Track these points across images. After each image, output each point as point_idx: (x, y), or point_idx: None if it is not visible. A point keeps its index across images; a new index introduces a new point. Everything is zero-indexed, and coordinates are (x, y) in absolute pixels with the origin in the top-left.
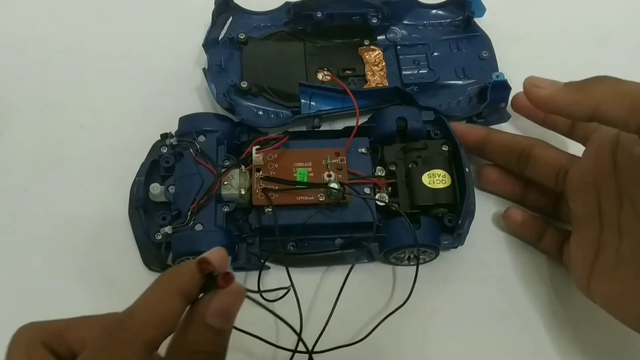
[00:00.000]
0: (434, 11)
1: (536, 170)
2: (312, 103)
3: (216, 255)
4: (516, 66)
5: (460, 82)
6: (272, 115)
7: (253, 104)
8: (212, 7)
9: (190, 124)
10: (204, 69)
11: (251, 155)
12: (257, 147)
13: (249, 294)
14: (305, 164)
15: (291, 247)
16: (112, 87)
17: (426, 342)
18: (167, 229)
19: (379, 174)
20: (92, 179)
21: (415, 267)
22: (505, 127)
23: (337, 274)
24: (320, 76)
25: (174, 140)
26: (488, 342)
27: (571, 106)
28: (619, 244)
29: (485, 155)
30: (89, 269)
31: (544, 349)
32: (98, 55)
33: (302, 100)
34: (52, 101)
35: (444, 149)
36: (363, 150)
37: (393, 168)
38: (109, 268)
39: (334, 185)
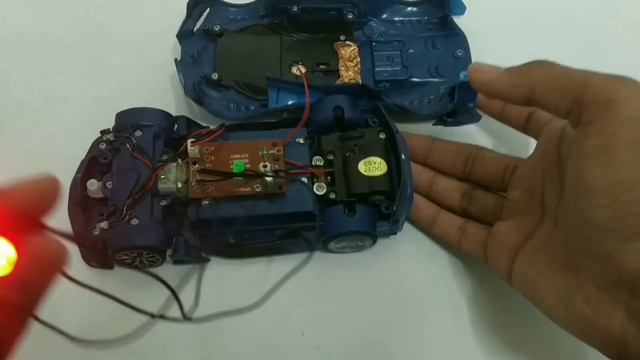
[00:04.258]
0: (411, 8)
1: (483, 168)
2: (280, 97)
3: (29, 191)
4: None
5: (433, 80)
6: (242, 108)
7: (223, 96)
8: None
9: (126, 119)
10: (175, 60)
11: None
12: (193, 140)
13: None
14: (242, 156)
15: (231, 239)
16: (80, 80)
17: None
18: (103, 224)
19: (317, 163)
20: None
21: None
22: (476, 128)
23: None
24: (294, 70)
25: (111, 136)
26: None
27: (509, 89)
28: (550, 234)
29: (429, 161)
30: None
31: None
32: (70, 46)
33: (270, 94)
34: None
35: (381, 136)
36: (301, 140)
37: (331, 157)
38: None
39: (269, 175)
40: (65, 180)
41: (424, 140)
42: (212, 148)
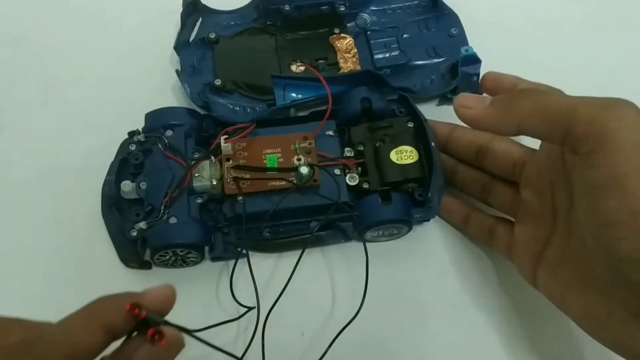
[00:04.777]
0: None
1: (493, 162)
2: (286, 94)
3: (156, 297)
4: (486, 41)
5: (431, 61)
6: (249, 110)
7: (228, 101)
8: (180, 9)
9: (156, 119)
10: (177, 71)
11: (220, 145)
12: (225, 137)
13: (195, 333)
14: (274, 150)
15: (267, 234)
16: (84, 92)
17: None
18: (142, 225)
19: (348, 154)
20: (64, 182)
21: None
22: None
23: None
24: (293, 68)
25: (141, 137)
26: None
27: (497, 125)
28: (567, 243)
29: (448, 151)
30: (68, 270)
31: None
32: (70, 62)
33: (276, 92)
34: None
35: (410, 125)
36: (330, 132)
37: (361, 148)
38: (87, 268)
39: (303, 169)
40: (66, 180)
41: (445, 128)
42: (244, 144)
